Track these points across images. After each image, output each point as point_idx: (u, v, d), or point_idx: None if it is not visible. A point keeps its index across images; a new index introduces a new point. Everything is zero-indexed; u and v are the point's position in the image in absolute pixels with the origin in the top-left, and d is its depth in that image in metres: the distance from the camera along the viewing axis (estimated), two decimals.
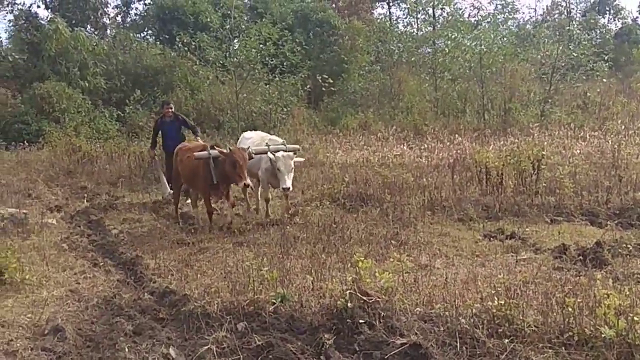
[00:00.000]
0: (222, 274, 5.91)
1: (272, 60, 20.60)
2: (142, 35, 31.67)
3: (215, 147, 8.17)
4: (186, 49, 21.79)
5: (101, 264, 6.82)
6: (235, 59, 20.08)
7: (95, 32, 27.41)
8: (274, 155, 8.29)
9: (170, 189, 9.89)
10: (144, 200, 10.69)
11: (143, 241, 7.91)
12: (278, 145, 8.72)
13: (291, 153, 8.53)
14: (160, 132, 11.04)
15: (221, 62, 20.66)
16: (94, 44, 22.51)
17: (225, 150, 7.90)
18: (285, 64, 21.22)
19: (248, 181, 7.89)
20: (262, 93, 21.04)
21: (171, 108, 11.07)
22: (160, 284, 5.81)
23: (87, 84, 21.07)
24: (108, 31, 30.62)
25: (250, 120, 20.47)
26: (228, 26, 20.08)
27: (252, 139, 9.33)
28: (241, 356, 4.10)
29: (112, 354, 4.23)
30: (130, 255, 7.00)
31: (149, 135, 15.78)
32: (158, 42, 26.20)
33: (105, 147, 15.60)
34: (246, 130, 19.16)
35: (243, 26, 20.63)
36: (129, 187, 12.23)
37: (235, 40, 21.46)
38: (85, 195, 11.46)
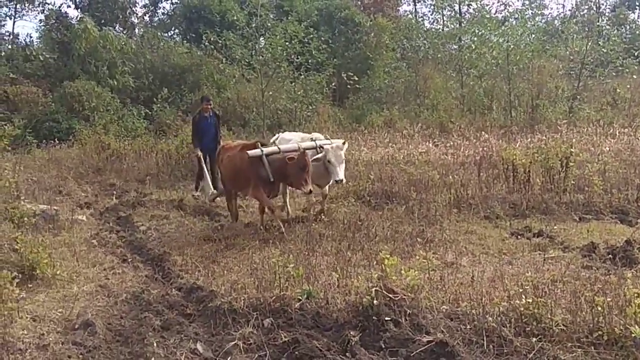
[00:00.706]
0: (249, 270, 5.97)
1: (297, 58, 20.63)
2: (170, 34, 32.03)
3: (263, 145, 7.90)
4: (212, 47, 21.92)
5: (130, 260, 6.94)
6: (261, 57, 20.16)
7: (124, 32, 27.71)
8: (322, 147, 7.96)
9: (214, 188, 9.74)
10: (171, 197, 10.80)
11: (170, 238, 8.03)
12: (323, 141, 8.41)
13: (340, 143, 8.16)
14: (198, 130, 10.63)
15: (247, 60, 20.75)
16: (123, 43, 22.77)
17: (293, 153, 7.51)
18: (310, 61, 21.23)
19: (311, 187, 7.49)
20: (287, 91, 21.10)
21: (210, 104, 10.89)
22: (187, 280, 5.89)
23: (115, 83, 21.37)
24: (136, 30, 30.97)
25: (276, 118, 20.57)
26: (254, 24, 20.14)
27: (293, 140, 8.77)
28: (267, 352, 4.14)
29: (141, 348, 4.30)
30: (158, 252, 7.11)
31: (177, 133, 16.05)
32: (185, 41, 26.44)
33: (134, 144, 15.78)
34: (272, 128, 19.49)
35: (269, 24, 20.66)
36: (156, 184, 12.37)
37: (261, 39, 21.55)
38: (114, 192, 11.65)
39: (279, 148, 7.82)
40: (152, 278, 6.20)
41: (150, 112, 20.98)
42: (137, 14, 32.18)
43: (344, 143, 8.21)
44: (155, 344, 4.32)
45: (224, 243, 7.44)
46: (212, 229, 8.35)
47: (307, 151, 7.68)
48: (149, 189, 11.95)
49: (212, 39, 21.11)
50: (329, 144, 8.11)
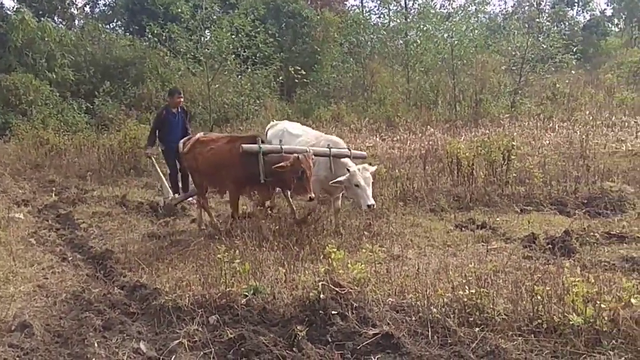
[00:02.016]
0: (194, 267, 5.88)
1: (244, 52, 20.45)
2: (111, 26, 31.19)
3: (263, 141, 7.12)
4: (156, 40, 21.49)
5: (70, 258, 6.70)
6: (206, 50, 19.88)
7: (63, 23, 26.79)
8: (348, 170, 6.95)
9: (174, 192, 9.21)
10: (114, 193, 10.51)
11: (113, 235, 7.80)
12: (341, 149, 7.43)
13: (367, 165, 7.28)
14: (163, 127, 9.53)
15: (192, 53, 20.44)
16: (62, 34, 21.98)
17: (291, 156, 6.69)
18: (257, 55, 21.08)
19: (313, 194, 6.72)
20: (234, 85, 20.92)
21: (182, 98, 9.74)
22: (130, 278, 5.74)
23: (54, 76, 20.61)
24: (76, 22, 29.93)
25: (223, 112, 20.36)
26: (199, 17, 19.85)
27: (304, 137, 7.86)
28: (213, 349, 4.07)
29: (81, 349, 4.15)
30: (99, 250, 6.90)
31: (119, 128, 15.61)
32: (127, 33, 25.80)
33: (74, 139, 15.28)
34: (219, 122, 19.26)
35: (214, 17, 20.40)
36: (98, 180, 12.01)
37: (207, 32, 21.24)
38: (54, 189, 11.24)
39: (281, 148, 6.99)
40: (94, 277, 6.01)
41: (91, 106, 20.36)
42: (76, 5, 31.09)
43: (370, 164, 7.52)
44: (96, 345, 4.18)
45: (169, 240, 7.31)
46: (156, 225, 8.17)
47: (309, 154, 6.80)
48: (90, 185, 11.59)
49: (155, 31, 20.67)
50: (348, 154, 7.35)
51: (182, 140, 8.19)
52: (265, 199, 7.46)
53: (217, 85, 20.27)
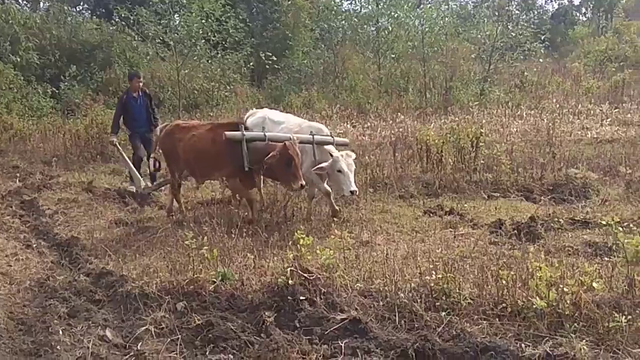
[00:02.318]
0: (162, 253, 5.83)
1: (214, 37, 20.19)
2: (78, 9, 30.43)
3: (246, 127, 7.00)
4: (124, 23, 21.07)
5: (34, 245, 6.56)
6: (176, 35, 19.58)
7: (28, 5, 26.12)
8: (331, 155, 6.98)
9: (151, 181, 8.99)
10: (80, 179, 10.33)
11: (79, 222, 7.68)
12: (324, 136, 7.36)
13: (350, 152, 7.27)
14: (126, 112, 9.34)
15: (161, 37, 20.10)
16: (26, 17, 21.39)
17: (278, 145, 6.60)
18: (228, 40, 20.84)
19: (303, 181, 6.60)
20: (204, 70, 20.65)
21: (141, 82, 9.49)
22: (96, 265, 5.66)
23: (19, 60, 20.02)
24: (41, 4, 29.19)
25: (192, 97, 20.10)
26: (168, 0, 19.52)
27: (286, 124, 7.68)
28: (180, 336, 4.04)
29: (45, 337, 4.11)
30: (65, 237, 6.79)
31: (86, 113, 15.31)
32: (94, 17, 25.22)
33: (39, 125, 14.98)
34: (188, 108, 19.03)
35: (184, 1, 20.07)
36: (64, 166, 11.79)
37: (176, 16, 20.91)
38: (18, 175, 10.96)
39: (265, 135, 6.88)
40: (59, 264, 5.91)
41: (57, 91, 19.90)
42: None
43: (353, 151, 7.44)
44: (61, 332, 4.14)
45: (136, 226, 7.22)
46: (123, 211, 8.06)
47: (295, 141, 6.71)
48: (55, 171, 11.35)
49: (123, 14, 20.26)
50: (331, 141, 7.29)
51: (159, 127, 8.05)
52: (250, 187, 7.27)
53: (186, 71, 19.98)
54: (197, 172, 7.60)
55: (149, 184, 8.91)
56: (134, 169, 8.96)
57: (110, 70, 20.53)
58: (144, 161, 9.47)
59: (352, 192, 6.88)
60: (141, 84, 9.44)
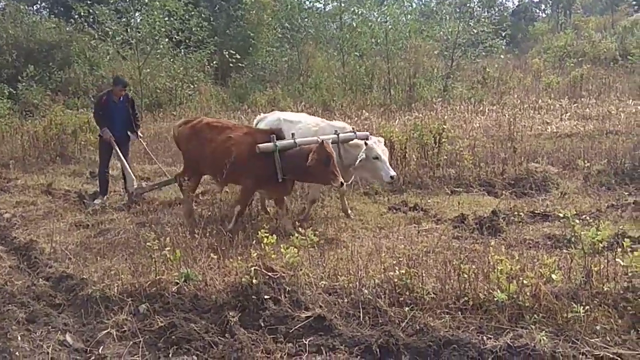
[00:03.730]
0: (124, 255, 5.73)
1: (177, 35, 19.97)
2: (35, 8, 29.78)
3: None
4: (84, 22, 20.68)
5: None
6: (137, 33, 19.30)
7: None
8: (366, 143, 6.80)
9: (102, 189, 8.68)
10: (39, 182, 10.08)
11: (38, 225, 7.49)
12: (347, 132, 7.13)
13: (380, 137, 7.24)
14: (104, 113, 8.81)
15: (122, 36, 19.79)
16: None
17: (313, 146, 6.33)
18: (191, 39, 20.64)
19: (342, 179, 6.31)
20: (166, 69, 20.41)
21: (125, 90, 8.99)
22: (56, 269, 5.52)
23: None
24: None
25: (155, 96, 19.86)
26: None
27: (303, 124, 7.45)
28: (142, 339, 3.99)
29: (4, 343, 4.01)
30: (23, 240, 6.61)
31: (45, 113, 14.97)
32: (53, 15, 24.70)
33: None
34: (151, 107, 18.77)
35: (147, 0, 19.78)
36: (22, 168, 11.48)
37: (137, 14, 20.62)
38: None
39: (295, 142, 6.56)
40: (17, 268, 5.76)
41: (14, 92, 19.44)
42: None
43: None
44: (19, 338, 4.04)
45: (98, 229, 7.08)
46: (84, 214, 7.90)
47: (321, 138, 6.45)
48: (13, 173, 11.04)
49: (83, 12, 19.89)
50: (354, 136, 7.06)
51: (177, 123, 7.65)
52: (284, 196, 6.95)
53: (148, 70, 19.73)
54: (223, 177, 6.87)
55: (143, 184, 8.63)
56: (127, 166, 8.58)
57: (70, 69, 20.21)
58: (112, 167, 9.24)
59: (392, 177, 6.81)
60: (123, 93, 8.93)
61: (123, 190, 9.04)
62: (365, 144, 6.81)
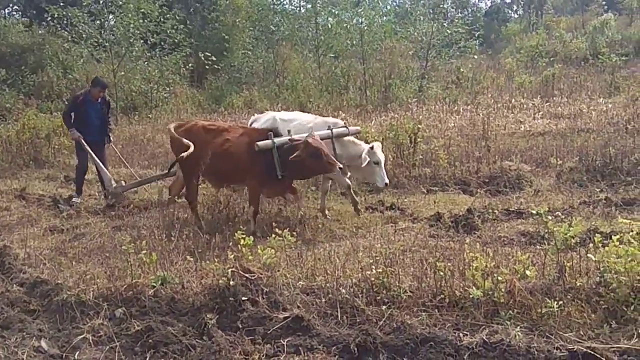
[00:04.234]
0: (99, 260, 5.69)
1: (152, 38, 19.81)
2: (7, 11, 29.34)
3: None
4: (57, 24, 20.41)
5: None
6: (111, 36, 19.10)
7: None
8: (372, 148, 7.03)
9: (79, 187, 8.63)
10: (12, 186, 9.92)
11: (12, 230, 7.36)
12: (340, 128, 7.34)
13: (379, 142, 7.47)
14: (78, 113, 8.70)
15: (96, 39, 19.57)
16: None
17: (300, 142, 6.54)
18: (166, 41, 20.50)
19: (339, 164, 6.55)
20: (141, 71, 20.23)
21: (104, 93, 8.87)
22: (30, 274, 5.42)
23: None
24: None
25: (130, 99, 19.68)
26: (102, 0, 19.04)
27: (298, 121, 7.58)
28: (118, 343, 3.96)
29: None
30: None
31: (17, 117, 14.74)
32: (25, 18, 24.34)
33: None
34: (126, 110, 18.58)
35: (121, 2, 19.57)
36: None
37: (111, 16, 20.41)
38: None
39: (290, 139, 6.71)
40: None
41: None
42: None
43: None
44: None
45: (73, 233, 7.01)
46: (59, 218, 7.80)
47: (314, 134, 6.68)
48: None
49: (56, 14, 19.63)
50: (347, 132, 7.30)
51: (171, 125, 7.59)
52: (280, 195, 7.23)
53: (123, 73, 19.55)
54: (222, 178, 7.23)
55: (123, 183, 8.53)
56: (102, 166, 8.47)
57: (43, 73, 19.95)
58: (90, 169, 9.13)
59: (385, 185, 7.16)
60: (102, 95, 8.84)
61: (98, 193, 8.96)
62: (371, 148, 7.04)
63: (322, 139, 6.83)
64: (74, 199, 8.68)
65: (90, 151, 8.55)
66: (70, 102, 9.14)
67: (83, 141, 8.61)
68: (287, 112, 8.52)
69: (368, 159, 6.97)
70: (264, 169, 6.73)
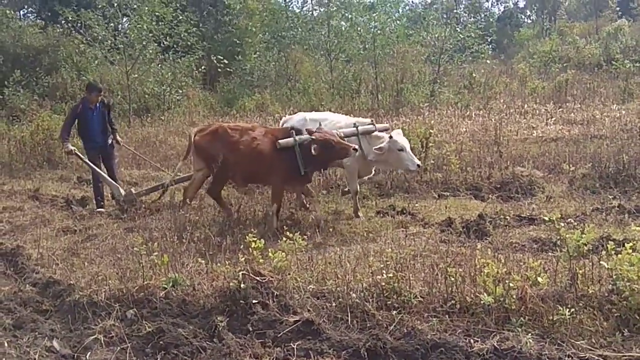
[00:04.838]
0: (111, 261, 5.72)
1: (166, 40, 19.93)
2: (22, 12, 29.64)
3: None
4: (71, 27, 20.58)
5: None
6: (125, 38, 19.23)
7: None
8: (391, 136, 7.17)
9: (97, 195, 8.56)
10: (26, 187, 10.03)
11: (25, 230, 7.46)
12: (367, 126, 7.52)
13: (399, 130, 7.61)
14: (79, 121, 8.71)
15: (110, 41, 19.71)
16: None
17: (309, 137, 6.82)
18: (179, 44, 20.62)
19: (355, 145, 6.83)
20: (154, 74, 20.34)
21: (100, 97, 8.76)
22: (43, 275, 5.51)
23: None
24: None
25: (143, 101, 19.79)
26: (115, 3, 19.17)
27: (329, 121, 7.71)
28: (130, 344, 3.99)
29: None
30: (10, 246, 6.58)
31: (32, 118, 14.88)
32: (40, 20, 24.56)
33: None
34: (139, 112, 18.67)
35: (135, 5, 19.70)
36: (9, 173, 11.45)
37: (125, 19, 20.56)
38: None
39: (312, 139, 6.84)
40: (4, 274, 5.75)
41: (1, 97, 19.32)
42: None
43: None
44: (6, 344, 4.04)
45: (85, 234, 7.06)
46: (72, 219, 7.86)
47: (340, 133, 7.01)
48: (0, 179, 11.00)
49: (70, 17, 19.80)
50: (373, 129, 7.44)
51: (195, 129, 7.71)
52: (305, 185, 7.59)
53: (136, 75, 19.67)
54: (248, 177, 7.43)
55: (133, 190, 8.50)
56: (103, 174, 8.45)
57: (57, 74, 20.11)
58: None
59: (418, 166, 7.23)
60: (99, 99, 8.77)
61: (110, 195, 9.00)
62: (390, 137, 7.15)
63: (347, 137, 7.11)
64: (98, 209, 8.48)
65: (93, 166, 8.50)
66: (69, 114, 9.02)
67: (85, 156, 8.61)
68: (317, 113, 8.72)
69: (386, 147, 7.09)
70: (288, 166, 6.94)
